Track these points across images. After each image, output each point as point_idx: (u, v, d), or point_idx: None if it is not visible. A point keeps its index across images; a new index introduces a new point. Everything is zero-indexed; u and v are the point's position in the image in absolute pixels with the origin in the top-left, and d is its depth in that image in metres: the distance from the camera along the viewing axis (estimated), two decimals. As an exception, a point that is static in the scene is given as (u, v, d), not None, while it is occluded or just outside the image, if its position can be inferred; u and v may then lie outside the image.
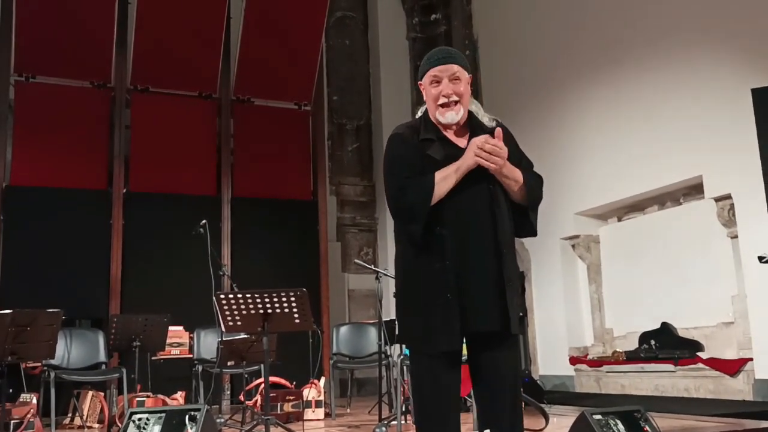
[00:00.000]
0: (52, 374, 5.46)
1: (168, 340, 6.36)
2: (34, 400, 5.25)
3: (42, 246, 7.57)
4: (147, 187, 8.23)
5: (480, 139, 2.53)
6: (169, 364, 6.91)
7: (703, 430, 4.47)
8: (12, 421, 4.98)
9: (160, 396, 5.72)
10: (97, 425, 5.85)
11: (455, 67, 2.61)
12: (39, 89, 8.00)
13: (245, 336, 5.68)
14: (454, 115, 2.61)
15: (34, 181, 7.75)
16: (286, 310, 4.40)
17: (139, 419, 3.13)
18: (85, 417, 5.84)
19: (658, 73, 7.11)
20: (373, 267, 5.85)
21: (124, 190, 8.15)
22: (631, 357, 7.08)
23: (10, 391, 5.43)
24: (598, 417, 3.13)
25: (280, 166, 8.96)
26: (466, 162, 2.52)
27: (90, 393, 5.94)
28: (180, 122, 8.55)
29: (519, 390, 2.63)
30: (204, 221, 5.62)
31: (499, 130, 2.59)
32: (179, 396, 5.99)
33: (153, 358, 6.61)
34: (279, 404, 5.62)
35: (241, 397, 6.15)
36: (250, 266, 8.29)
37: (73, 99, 8.13)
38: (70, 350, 6.02)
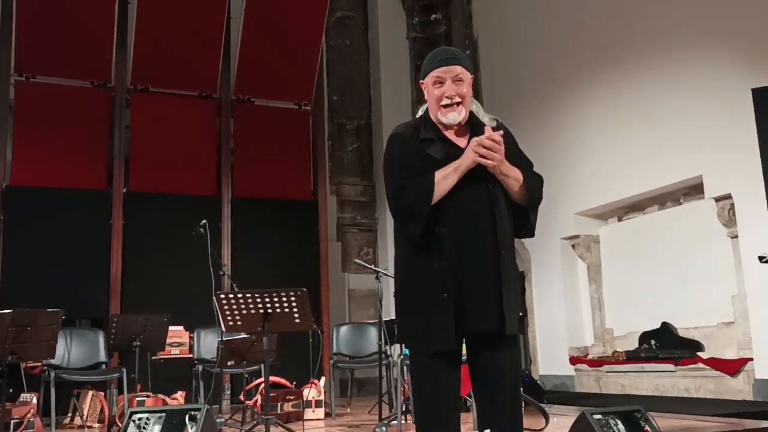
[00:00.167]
0: (53, 374, 5.46)
1: (168, 340, 6.36)
2: (35, 400, 5.25)
3: (42, 246, 7.57)
4: (147, 187, 8.23)
5: (479, 137, 2.53)
6: (169, 363, 6.91)
7: (703, 430, 4.47)
8: (12, 421, 4.98)
9: (160, 396, 5.72)
10: (97, 425, 5.85)
11: (459, 69, 2.61)
12: (39, 89, 8.00)
13: (245, 336, 5.68)
14: (456, 116, 2.61)
15: (34, 181, 7.75)
16: (287, 310, 4.40)
17: (139, 419, 3.13)
18: (85, 417, 5.85)
19: (658, 73, 7.11)
20: (373, 267, 5.85)
21: (124, 190, 8.15)
22: (632, 357, 7.09)
23: (11, 390, 5.43)
24: (599, 417, 3.13)
25: (280, 166, 8.96)
26: (465, 161, 2.53)
27: (90, 393, 5.94)
28: (180, 122, 8.55)
29: (519, 390, 2.63)
30: (204, 221, 5.62)
31: (489, 129, 2.58)
32: (179, 396, 5.99)
33: (153, 357, 6.61)
34: (279, 404, 5.62)
35: (241, 397, 6.15)
36: (250, 266, 8.30)
37: (73, 99, 8.13)
38: (71, 350, 6.02)
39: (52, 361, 5.51)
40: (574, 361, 7.92)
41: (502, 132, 2.57)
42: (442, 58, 2.63)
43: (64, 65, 8.03)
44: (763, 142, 5.21)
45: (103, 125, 8.27)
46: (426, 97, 2.69)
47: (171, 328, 6.38)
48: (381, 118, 10.48)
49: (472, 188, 2.54)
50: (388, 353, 6.13)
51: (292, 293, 4.37)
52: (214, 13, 8.53)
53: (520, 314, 2.89)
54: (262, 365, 5.13)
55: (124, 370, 5.79)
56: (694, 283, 6.84)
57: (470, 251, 2.51)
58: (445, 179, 2.52)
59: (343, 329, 7.29)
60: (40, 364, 5.63)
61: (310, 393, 6.01)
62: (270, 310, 4.39)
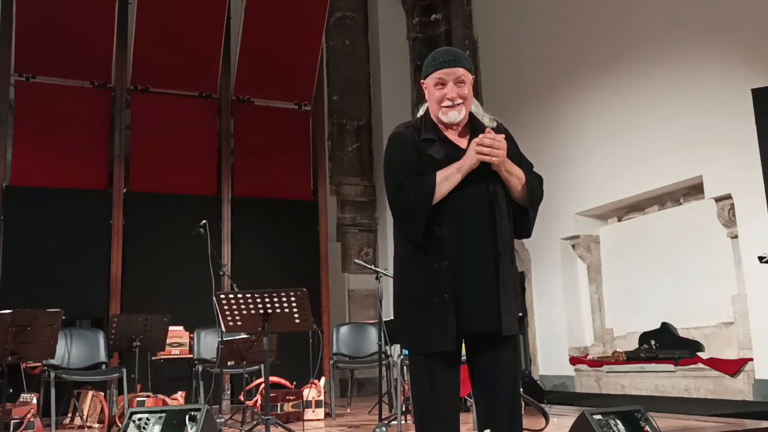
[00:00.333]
0: (53, 374, 5.46)
1: (168, 340, 6.35)
2: (35, 400, 5.25)
3: (42, 246, 7.57)
4: (147, 187, 8.23)
5: (479, 137, 2.53)
6: (169, 364, 6.91)
7: (703, 430, 4.47)
8: (12, 421, 4.98)
9: (161, 396, 5.73)
10: (97, 425, 5.85)
11: (461, 71, 2.61)
12: (39, 89, 8.00)
13: (245, 336, 5.69)
14: (456, 115, 2.61)
15: (34, 181, 7.75)
16: (287, 310, 4.40)
17: (140, 419, 3.14)
18: (85, 417, 5.85)
19: (658, 73, 7.11)
20: (373, 267, 5.84)
21: (125, 190, 8.15)
22: (632, 357, 7.09)
23: (11, 390, 5.43)
24: (599, 417, 3.13)
25: (280, 166, 8.96)
26: (468, 161, 2.52)
27: (90, 393, 5.94)
28: (180, 122, 8.55)
29: (518, 390, 2.63)
30: (204, 221, 5.62)
31: (493, 130, 2.59)
32: (179, 396, 5.99)
33: (153, 358, 6.62)
34: (279, 404, 5.62)
35: (241, 397, 6.15)
36: (250, 266, 8.30)
37: (74, 99, 8.14)
38: (71, 350, 6.02)
39: (52, 361, 5.50)
40: (574, 361, 7.92)
41: (503, 136, 2.57)
42: (444, 59, 2.62)
43: (64, 65, 8.03)
44: (762, 142, 5.21)
45: (103, 125, 8.27)
46: (426, 98, 2.69)
47: (171, 328, 6.38)
48: (381, 118, 10.49)
49: (472, 188, 2.54)
50: (388, 353, 6.13)
51: (292, 293, 4.37)
52: (214, 13, 8.53)
53: (520, 314, 2.88)
54: (262, 365, 5.13)
55: (124, 371, 5.79)
56: (694, 283, 6.84)
57: (470, 252, 2.51)
58: (446, 180, 2.51)
59: (343, 329, 7.29)
60: (40, 364, 5.62)
61: (310, 393, 6.00)
62: (270, 311, 4.39)
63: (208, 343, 6.71)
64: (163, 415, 3.16)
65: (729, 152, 6.26)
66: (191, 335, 6.91)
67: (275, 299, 4.36)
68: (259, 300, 4.36)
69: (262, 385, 4.85)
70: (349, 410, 6.90)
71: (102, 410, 5.89)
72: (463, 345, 2.59)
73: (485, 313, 2.49)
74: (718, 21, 6.52)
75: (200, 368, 6.41)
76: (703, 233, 6.74)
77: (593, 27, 7.99)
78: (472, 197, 2.55)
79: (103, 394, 6.10)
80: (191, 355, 6.82)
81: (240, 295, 4.37)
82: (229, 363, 5.97)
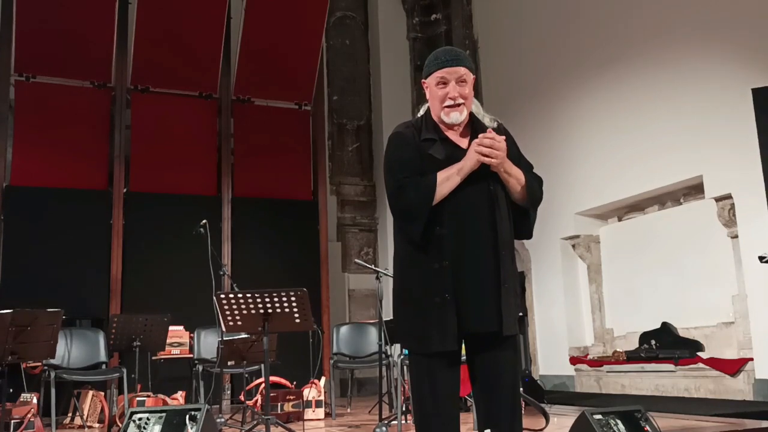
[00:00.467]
0: (53, 374, 5.46)
1: (168, 340, 6.35)
2: (35, 400, 5.25)
3: (42, 246, 7.57)
4: (147, 187, 8.23)
5: (479, 138, 2.53)
6: (169, 363, 6.91)
7: (703, 430, 4.47)
8: (12, 421, 4.98)
9: (161, 396, 5.73)
10: (97, 425, 5.85)
11: (462, 70, 2.61)
12: (39, 89, 8.00)
13: (245, 336, 5.69)
14: (458, 116, 2.61)
15: (34, 181, 7.75)
16: (287, 310, 4.40)
17: (140, 419, 3.14)
18: (85, 417, 5.85)
19: (658, 73, 7.11)
20: (373, 267, 5.85)
21: (125, 190, 8.15)
22: (632, 357, 7.09)
23: (11, 390, 5.43)
24: (599, 417, 3.14)
25: (280, 166, 8.96)
26: (468, 162, 2.52)
27: (90, 393, 5.94)
28: (180, 122, 8.55)
29: (518, 390, 2.63)
30: (204, 221, 5.62)
31: (490, 129, 2.59)
32: (179, 396, 6.00)
33: (153, 357, 6.62)
34: (279, 404, 5.62)
35: (242, 397, 6.15)
36: (250, 266, 8.30)
37: (74, 99, 8.13)
38: (71, 350, 6.02)
39: (53, 361, 5.51)
40: (574, 361, 7.92)
41: (504, 138, 2.57)
42: (445, 58, 2.62)
43: (64, 65, 8.03)
44: (763, 142, 5.21)
45: (104, 125, 8.27)
46: (428, 97, 2.69)
47: (171, 328, 6.38)
48: (381, 118, 10.49)
49: (472, 188, 2.54)
50: (388, 353, 6.13)
51: (292, 293, 4.37)
52: (214, 13, 8.53)
53: (520, 314, 2.88)
54: (262, 365, 5.13)
55: (125, 370, 5.79)
56: (694, 283, 6.84)
57: (470, 252, 2.51)
58: (447, 180, 2.51)
59: (343, 329, 7.29)
60: (40, 364, 5.62)
61: (310, 393, 6.01)
62: (270, 310, 4.39)
63: (208, 343, 6.71)
64: (164, 414, 3.16)
65: (729, 152, 6.26)
66: (191, 335, 6.91)
67: (275, 299, 4.37)
68: (259, 300, 4.36)
69: (263, 385, 4.86)
70: (349, 410, 6.90)
71: (102, 410, 5.89)
72: (463, 345, 2.59)
73: (486, 313, 2.49)
74: (718, 21, 6.51)
75: (200, 368, 6.41)
76: (704, 233, 6.74)
77: (593, 27, 7.99)
78: (473, 197, 2.54)
79: (103, 393, 6.11)
80: (191, 355, 6.82)
81: (240, 295, 4.37)
82: (229, 363, 5.97)
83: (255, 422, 4.86)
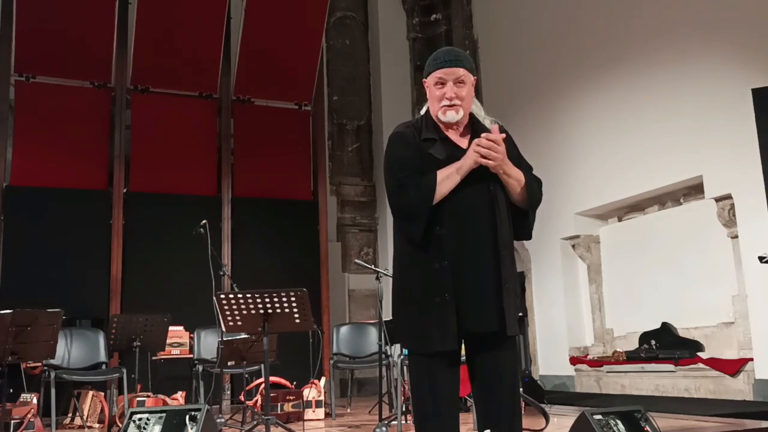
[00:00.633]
0: (53, 374, 5.46)
1: (168, 340, 6.35)
2: (35, 400, 5.25)
3: (42, 246, 7.57)
4: (147, 187, 8.23)
5: (479, 138, 2.53)
6: (169, 364, 6.91)
7: (703, 430, 4.47)
8: (12, 421, 4.98)
9: (161, 396, 5.72)
10: (97, 425, 5.85)
11: (461, 71, 2.61)
12: (39, 89, 8.00)
13: (245, 336, 5.69)
14: (454, 115, 2.61)
15: (34, 181, 7.76)
16: (287, 310, 4.40)
17: (140, 419, 3.14)
18: (85, 417, 5.85)
19: (658, 73, 7.11)
20: (373, 267, 5.85)
21: (125, 190, 8.15)
22: (632, 357, 7.09)
23: (11, 390, 5.43)
24: (599, 417, 3.13)
25: (280, 166, 8.96)
26: (467, 162, 2.53)
27: (90, 393, 5.94)
28: (180, 122, 8.56)
29: (518, 390, 2.63)
30: (204, 221, 5.62)
31: (496, 127, 2.59)
32: (179, 396, 5.99)
33: (153, 358, 6.61)
34: (279, 404, 5.62)
35: (242, 397, 6.15)
36: (250, 266, 8.31)
37: (74, 99, 8.14)
38: (71, 350, 6.02)
39: (53, 362, 5.50)
40: (574, 361, 7.92)
41: (504, 136, 2.57)
42: (444, 59, 2.62)
43: (65, 65, 8.03)
44: (763, 142, 5.21)
45: (104, 125, 8.27)
46: (428, 97, 2.70)
47: (171, 328, 6.38)
48: (381, 118, 10.49)
49: (472, 189, 2.55)
50: (388, 353, 6.13)
51: (292, 293, 4.37)
52: (214, 14, 8.53)
53: (520, 314, 2.88)
54: (262, 365, 5.13)
55: (125, 371, 5.79)
56: (694, 283, 6.84)
57: (470, 252, 2.51)
58: (447, 179, 2.52)
59: (343, 329, 7.29)
60: (40, 364, 5.62)
61: (310, 393, 6.01)
62: (270, 311, 4.39)
63: (208, 343, 6.71)
64: (164, 415, 3.16)
65: (729, 152, 6.26)
66: (191, 335, 6.91)
67: (275, 299, 4.37)
68: (259, 300, 4.36)
69: (262, 385, 4.85)
70: (349, 410, 6.90)
71: (102, 410, 5.89)
72: (463, 345, 2.59)
73: (486, 313, 2.49)
74: (718, 21, 6.51)
75: (200, 368, 6.41)
76: (704, 233, 6.74)
77: (593, 27, 7.99)
78: (473, 197, 2.55)
79: (103, 394, 6.11)
80: (191, 355, 6.82)
81: (240, 295, 4.37)
82: (229, 363, 5.97)
83: (255, 422, 4.86)
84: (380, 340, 5.68)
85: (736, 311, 6.39)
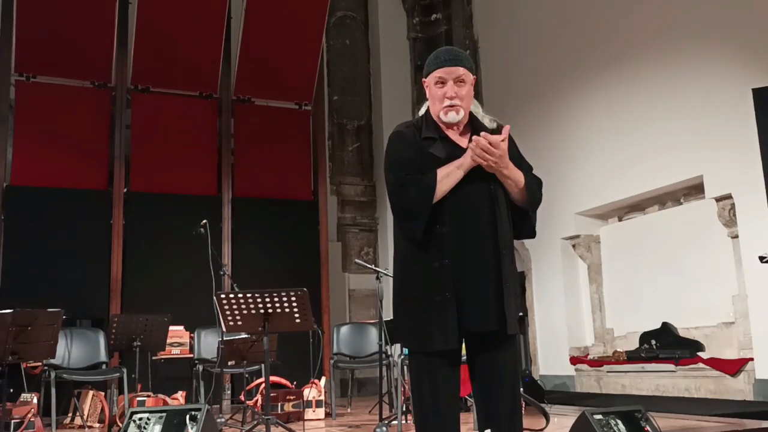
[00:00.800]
0: (53, 374, 5.46)
1: (168, 340, 6.35)
2: (35, 400, 5.25)
3: (42, 246, 7.57)
4: (147, 187, 8.23)
5: (476, 138, 2.53)
6: (169, 363, 6.91)
7: (703, 430, 4.47)
8: (13, 421, 4.98)
9: (161, 396, 5.73)
10: (97, 425, 5.85)
11: (461, 70, 2.61)
12: (40, 89, 8.00)
13: (246, 336, 5.69)
14: (455, 116, 2.61)
15: (35, 181, 7.75)
16: (287, 310, 4.40)
17: (140, 419, 3.14)
18: (85, 417, 5.85)
19: (658, 73, 7.11)
20: (373, 267, 5.85)
21: (125, 190, 8.15)
22: (632, 357, 7.09)
23: (11, 390, 5.43)
24: (599, 417, 3.14)
25: (280, 166, 8.96)
26: (467, 160, 2.53)
27: (90, 393, 5.94)
28: (180, 122, 8.55)
29: (518, 390, 2.63)
30: (205, 221, 5.62)
31: (507, 128, 2.59)
32: (180, 396, 6.00)
33: (153, 357, 6.61)
34: (279, 404, 5.62)
35: (242, 397, 6.15)
36: (250, 266, 8.30)
37: (74, 99, 8.13)
38: (71, 350, 6.02)
39: (53, 361, 5.50)
40: (574, 361, 7.92)
41: (504, 137, 2.56)
42: (445, 58, 2.62)
43: (65, 65, 8.03)
44: (763, 142, 5.21)
45: (104, 125, 8.27)
46: (428, 96, 2.70)
47: (171, 328, 6.38)
48: (381, 118, 10.49)
49: (473, 188, 2.55)
50: (389, 353, 6.14)
51: (292, 293, 4.37)
52: (214, 13, 8.53)
53: (520, 314, 2.89)
54: (263, 365, 5.13)
55: (125, 370, 5.79)
56: (694, 283, 6.84)
57: (471, 251, 2.51)
58: (447, 177, 2.52)
59: (344, 329, 7.29)
60: (40, 364, 5.62)
61: (310, 393, 6.01)
62: (270, 310, 4.39)
63: (208, 343, 6.71)
64: (164, 414, 3.16)
65: (729, 152, 6.26)
66: (191, 335, 6.91)
67: (275, 299, 4.37)
68: (259, 300, 4.36)
69: (263, 385, 4.86)
70: (349, 410, 6.90)
71: (102, 410, 5.89)
72: (464, 345, 2.59)
73: (486, 312, 2.49)
74: (718, 21, 6.51)
75: (201, 368, 6.41)
76: (704, 233, 6.74)
77: (593, 27, 7.99)
78: (473, 197, 2.55)
79: (103, 393, 6.11)
80: (191, 355, 6.82)
81: (240, 295, 4.37)
82: (229, 363, 5.97)
83: (255, 422, 4.86)
84: (380, 339, 5.68)
85: (737, 311, 6.39)
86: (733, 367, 6.17)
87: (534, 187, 2.67)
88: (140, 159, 8.31)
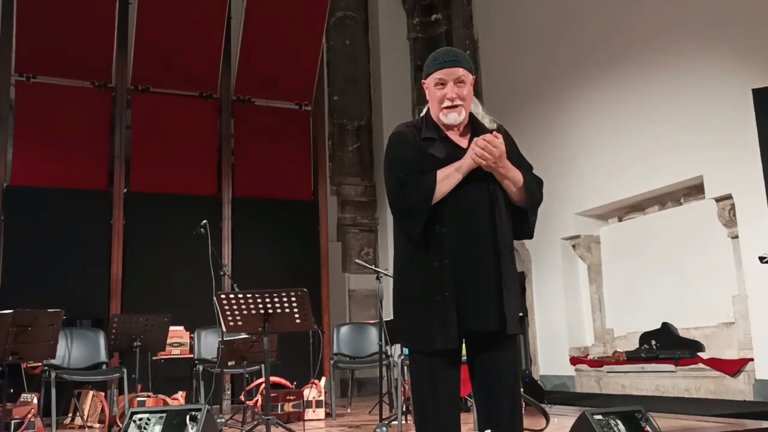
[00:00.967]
0: (53, 374, 5.46)
1: (168, 340, 6.35)
2: (35, 400, 5.25)
3: (42, 246, 7.57)
4: (147, 187, 8.23)
5: (476, 139, 2.54)
6: (169, 364, 6.91)
7: (703, 430, 4.47)
8: (13, 421, 4.98)
9: (161, 396, 5.73)
10: (97, 425, 5.85)
11: (460, 71, 2.61)
12: (40, 89, 8.00)
13: (246, 336, 5.69)
14: (456, 117, 2.62)
15: (35, 181, 7.75)
16: (287, 310, 4.40)
17: (140, 419, 3.14)
18: (85, 417, 5.85)
19: (658, 73, 7.11)
20: (373, 267, 5.85)
21: (125, 190, 8.15)
22: (632, 357, 7.09)
23: (11, 390, 5.43)
24: (599, 417, 3.14)
25: (280, 166, 8.96)
26: (467, 161, 2.53)
27: (91, 393, 5.94)
28: (180, 122, 8.55)
29: (518, 390, 2.63)
30: (205, 221, 5.62)
31: (500, 136, 2.59)
32: (180, 396, 6.00)
33: (154, 358, 6.61)
34: (279, 404, 5.62)
35: (242, 397, 6.16)
36: (250, 266, 8.30)
37: (74, 99, 8.13)
38: (71, 350, 6.02)
39: (53, 361, 5.50)
40: (574, 361, 7.92)
41: (500, 136, 2.57)
42: (444, 59, 2.63)
43: (65, 65, 8.03)
44: (763, 142, 5.21)
45: (104, 125, 8.27)
46: (427, 98, 2.70)
47: (171, 328, 6.38)
48: (381, 118, 10.49)
49: (472, 188, 2.55)
50: (389, 353, 6.14)
51: (292, 293, 4.38)
52: (214, 14, 8.53)
53: (520, 314, 2.89)
54: (263, 365, 5.13)
55: (125, 371, 5.79)
56: (694, 283, 6.84)
57: (470, 250, 2.52)
58: (446, 179, 2.52)
59: (344, 329, 7.29)
60: (40, 364, 5.62)
61: (310, 393, 6.01)
62: (270, 311, 4.39)
63: (208, 343, 6.71)
64: (164, 415, 3.16)
65: (729, 152, 6.26)
66: (192, 335, 6.91)
67: (276, 299, 4.37)
68: (259, 300, 4.37)
69: (263, 385, 4.86)
70: (349, 410, 6.90)
71: (102, 410, 5.89)
72: (464, 345, 2.59)
73: (486, 311, 2.49)
74: (718, 21, 6.51)
75: (201, 368, 6.41)
76: (704, 233, 6.74)
77: (594, 27, 7.99)
78: (473, 197, 2.55)
79: (103, 394, 6.11)
80: (192, 355, 6.82)
81: (240, 295, 4.38)
82: (229, 363, 5.97)
83: (255, 422, 4.86)
84: (380, 340, 5.68)
85: (737, 311, 6.39)
86: (733, 368, 6.17)
87: (533, 186, 2.67)
88: (140, 159, 8.31)
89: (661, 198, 7.45)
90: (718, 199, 6.48)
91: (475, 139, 2.55)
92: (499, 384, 2.54)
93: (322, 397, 6.08)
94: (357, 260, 6.96)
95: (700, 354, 6.60)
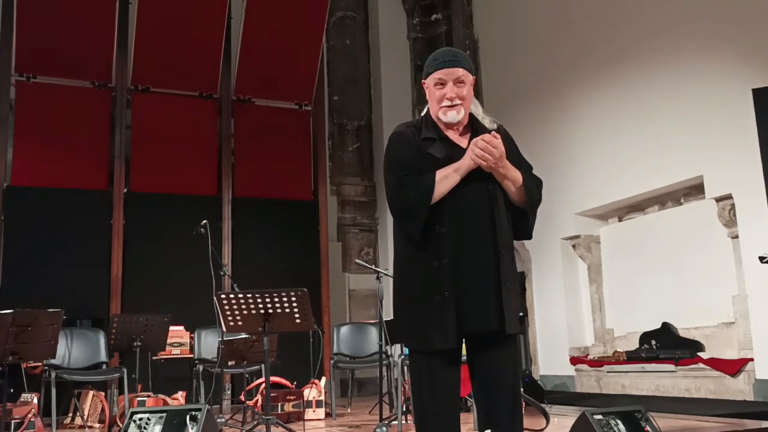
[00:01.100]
0: (53, 374, 5.46)
1: (169, 340, 6.35)
2: (35, 400, 5.25)
3: (42, 246, 7.56)
4: (147, 187, 8.23)
5: (475, 139, 2.54)
6: (169, 364, 6.91)
7: (703, 430, 4.47)
8: (13, 421, 4.98)
9: (161, 396, 5.73)
10: (97, 425, 5.85)
11: (460, 71, 2.61)
12: (40, 89, 8.00)
13: (246, 336, 5.69)
14: (455, 115, 2.62)
15: (35, 181, 7.75)
16: (287, 310, 4.40)
17: (140, 419, 3.14)
18: (85, 417, 5.85)
19: (658, 73, 7.11)
20: (373, 267, 5.85)
21: (125, 190, 8.15)
22: (632, 357, 7.09)
23: (11, 390, 5.43)
24: (599, 417, 3.14)
25: (280, 166, 8.96)
26: (466, 161, 2.54)
27: (91, 393, 5.94)
28: (181, 122, 8.55)
29: (519, 390, 2.63)
30: (205, 221, 5.63)
31: (494, 134, 2.60)
32: (180, 396, 6.00)
33: (154, 358, 6.61)
34: (280, 404, 5.63)
35: (242, 397, 6.16)
36: (250, 266, 8.30)
37: (74, 99, 8.13)
38: (71, 350, 6.02)
39: (53, 361, 5.51)
40: (574, 361, 7.92)
41: (500, 136, 2.57)
42: (444, 59, 2.63)
43: (65, 65, 8.03)
44: (763, 142, 5.21)
45: (104, 125, 8.27)
46: (427, 98, 2.70)
47: (171, 328, 6.38)
48: (381, 118, 10.49)
49: (472, 188, 2.55)
50: (389, 353, 6.14)
51: (292, 293, 4.38)
52: (214, 14, 8.53)
53: (520, 314, 2.89)
54: (263, 365, 5.13)
55: (125, 370, 5.79)
56: (694, 283, 6.84)
57: (470, 250, 2.52)
58: (445, 179, 2.52)
59: (344, 329, 7.29)
60: (40, 364, 5.63)
61: (310, 393, 6.01)
62: (270, 311, 4.39)
63: (208, 343, 6.71)
64: (164, 415, 3.16)
65: (729, 152, 6.26)
66: (192, 335, 6.91)
67: (276, 299, 4.37)
68: (259, 300, 4.37)
69: (263, 385, 4.86)
70: (349, 410, 6.90)
71: (103, 410, 5.89)
72: (464, 345, 2.59)
73: (486, 311, 2.49)
74: (718, 21, 6.51)
75: (201, 368, 6.41)
76: (704, 233, 6.74)
77: (594, 27, 7.99)
78: (472, 197, 2.55)
79: (103, 393, 6.11)
80: (192, 355, 6.82)
81: (240, 295, 4.38)
82: (229, 363, 5.97)
83: (255, 422, 4.86)
84: (380, 340, 5.68)
85: (737, 311, 6.39)
86: (733, 368, 6.17)
87: (533, 186, 2.67)
88: (140, 159, 8.31)
89: (661, 198, 7.45)
90: (718, 199, 6.48)
91: (474, 139, 2.55)
92: (499, 384, 2.54)
93: (322, 397, 6.08)
94: (357, 260, 6.96)
95: (700, 354, 6.60)
